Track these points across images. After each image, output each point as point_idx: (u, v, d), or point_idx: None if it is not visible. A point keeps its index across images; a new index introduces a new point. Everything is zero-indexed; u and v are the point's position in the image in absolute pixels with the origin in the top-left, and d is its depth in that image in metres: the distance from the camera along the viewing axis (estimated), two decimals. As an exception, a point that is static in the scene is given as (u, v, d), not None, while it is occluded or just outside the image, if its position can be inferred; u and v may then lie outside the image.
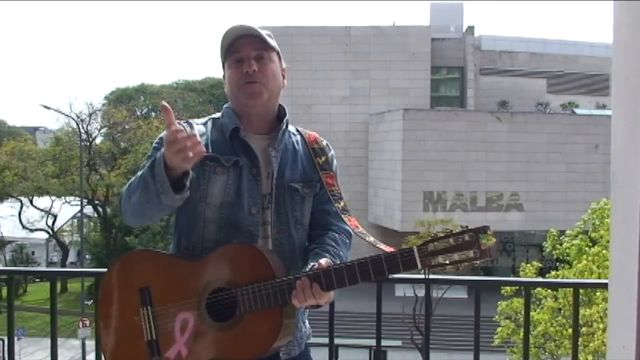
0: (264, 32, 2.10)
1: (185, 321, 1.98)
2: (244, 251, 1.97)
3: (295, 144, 2.20)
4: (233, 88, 2.11)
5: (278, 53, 2.16)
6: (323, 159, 2.20)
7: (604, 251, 12.70)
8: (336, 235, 2.17)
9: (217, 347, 1.95)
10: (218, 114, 2.20)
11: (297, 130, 2.26)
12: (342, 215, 2.11)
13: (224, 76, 2.17)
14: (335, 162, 2.25)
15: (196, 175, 2.03)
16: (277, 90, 2.15)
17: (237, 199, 2.04)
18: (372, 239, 2.04)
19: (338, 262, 2.01)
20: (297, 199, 2.12)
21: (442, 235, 1.81)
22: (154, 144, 2.12)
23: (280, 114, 2.19)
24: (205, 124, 2.16)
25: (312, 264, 1.94)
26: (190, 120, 2.17)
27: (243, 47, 2.08)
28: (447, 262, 1.79)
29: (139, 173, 1.97)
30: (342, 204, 2.14)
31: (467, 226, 1.81)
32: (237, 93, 2.10)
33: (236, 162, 2.05)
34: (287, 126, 2.18)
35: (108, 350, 2.12)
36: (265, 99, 2.09)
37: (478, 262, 1.79)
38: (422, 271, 1.84)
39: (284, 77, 2.19)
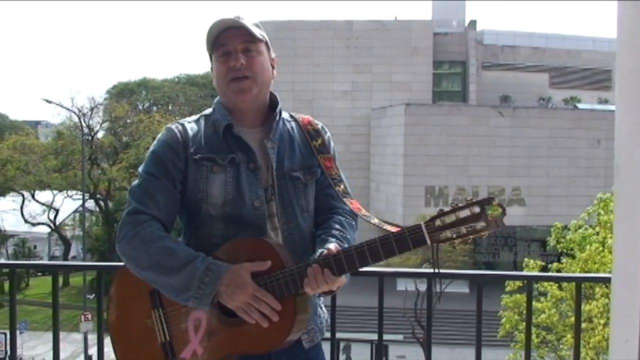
0: (250, 23, 2.05)
1: (198, 320, 1.97)
2: (252, 245, 1.96)
3: (291, 130, 2.16)
4: (221, 83, 2.07)
5: (267, 43, 2.11)
6: (319, 141, 2.16)
7: (600, 247, 12.66)
8: (341, 218, 2.15)
9: (231, 343, 1.94)
10: (209, 110, 2.16)
11: (291, 116, 2.22)
12: (344, 199, 2.09)
13: (212, 68, 2.12)
14: (332, 144, 2.21)
15: (194, 179, 2.02)
16: (267, 82, 2.10)
17: (238, 196, 2.01)
18: (376, 220, 2.02)
19: (346, 245, 2.01)
20: (299, 187, 2.10)
21: (448, 210, 1.80)
22: (153, 147, 2.07)
23: (273, 103, 2.15)
24: (197, 121, 2.12)
25: (320, 250, 1.94)
26: (182, 120, 2.13)
27: (229, 40, 2.03)
28: (455, 235, 1.78)
29: (176, 251, 1.93)
30: (342, 187, 2.11)
31: (472, 199, 1.79)
32: (225, 89, 2.06)
33: (232, 160, 2.02)
34: (280, 115, 2.15)
35: (122, 357, 2.12)
36: (254, 94, 2.05)
37: (486, 233, 1.76)
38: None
39: (273, 67, 2.14)
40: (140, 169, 2.07)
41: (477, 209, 1.76)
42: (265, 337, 1.90)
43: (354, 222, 2.18)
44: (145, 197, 1.99)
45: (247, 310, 1.86)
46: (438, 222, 1.79)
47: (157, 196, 2.00)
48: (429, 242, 1.79)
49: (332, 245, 1.93)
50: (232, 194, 2.01)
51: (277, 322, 1.89)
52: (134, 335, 2.08)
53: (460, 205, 1.79)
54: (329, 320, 2.27)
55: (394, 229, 1.88)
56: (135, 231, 1.95)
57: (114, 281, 2.15)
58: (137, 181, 2.04)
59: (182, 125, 2.09)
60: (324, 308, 2.24)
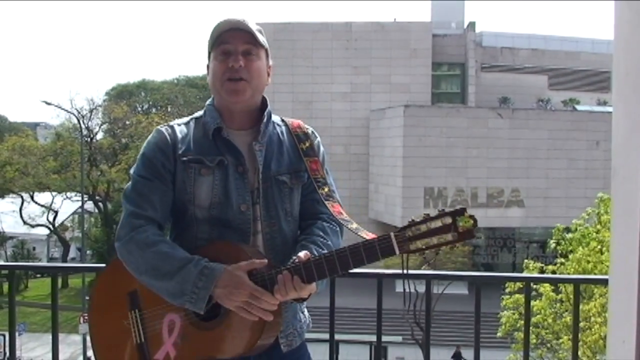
0: (254, 28, 2.07)
1: (172, 322, 1.99)
2: (226, 249, 1.97)
3: (280, 134, 2.17)
4: (216, 81, 2.08)
5: (266, 50, 2.14)
6: (307, 144, 2.17)
7: (598, 246, 12.69)
8: (325, 224, 2.15)
9: (203, 346, 1.96)
10: (200, 113, 2.17)
11: (282, 120, 2.23)
12: (326, 202, 2.09)
13: (208, 66, 2.14)
14: (322, 149, 2.22)
15: (182, 180, 2.04)
16: (261, 87, 2.12)
17: (225, 199, 2.02)
18: (355, 225, 2.02)
19: (325, 252, 2.00)
20: (285, 191, 2.10)
21: (419, 220, 1.81)
22: (143, 150, 2.09)
23: (263, 106, 2.17)
24: (187, 124, 2.14)
25: (293, 257, 1.94)
26: (172, 123, 2.15)
27: (232, 40, 2.04)
28: (425, 246, 1.79)
29: (171, 255, 1.94)
30: (326, 189, 2.12)
31: (443, 209, 1.81)
32: (220, 88, 2.07)
33: (221, 162, 2.03)
34: (270, 118, 2.16)
35: (100, 356, 2.14)
36: (247, 97, 2.07)
37: (457, 244, 1.78)
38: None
39: (268, 75, 2.16)
40: (132, 171, 2.09)
41: (448, 220, 1.78)
42: (236, 341, 1.93)
43: (338, 229, 2.18)
44: (140, 199, 2.02)
45: (248, 308, 1.87)
46: (408, 233, 1.80)
47: (152, 197, 2.02)
48: (397, 252, 1.81)
49: (303, 253, 1.93)
50: (219, 196, 2.02)
51: (248, 327, 1.91)
52: (111, 336, 2.10)
53: (431, 215, 1.80)
54: (310, 325, 2.26)
55: (369, 236, 1.89)
56: (131, 236, 1.98)
57: (96, 281, 2.19)
58: (130, 184, 2.07)
59: (172, 127, 2.11)
60: (305, 312, 2.25)
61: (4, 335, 18.13)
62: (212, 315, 1.95)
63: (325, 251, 2.01)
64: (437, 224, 1.78)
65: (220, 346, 1.94)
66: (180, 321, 1.98)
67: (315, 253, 1.97)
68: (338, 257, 1.85)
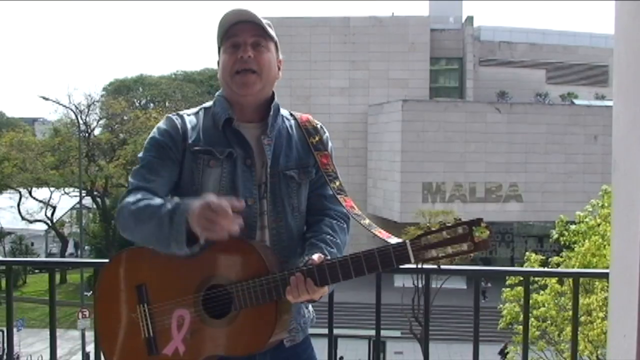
0: (264, 21, 2.06)
1: (182, 318, 1.97)
2: (238, 247, 1.95)
3: (289, 128, 2.16)
4: (226, 74, 2.06)
5: (276, 44, 2.12)
6: (317, 138, 2.16)
7: (600, 240, 12.69)
8: (333, 221, 2.14)
9: (214, 343, 1.95)
10: (209, 103, 2.16)
11: (291, 114, 2.22)
12: (338, 196, 2.08)
13: (218, 62, 2.12)
14: (330, 144, 2.20)
15: (190, 170, 2.03)
16: (271, 80, 2.10)
17: (232, 192, 2.01)
18: (367, 221, 2.02)
19: (335, 251, 2.00)
20: (293, 186, 2.09)
21: (435, 228, 1.79)
22: (152, 134, 2.09)
23: (272, 99, 2.15)
24: (197, 113, 2.13)
25: (306, 258, 1.93)
26: (181, 112, 2.14)
27: (241, 32, 2.03)
28: (441, 255, 1.77)
29: (152, 203, 1.93)
30: (337, 183, 2.11)
31: (460, 218, 1.79)
32: (230, 80, 2.05)
33: (230, 154, 2.02)
34: (277, 111, 2.14)
35: (106, 349, 2.13)
36: (257, 89, 2.05)
37: (472, 254, 1.77)
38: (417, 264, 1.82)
39: (279, 69, 2.14)
40: (140, 154, 2.09)
41: (464, 230, 1.76)
42: (248, 339, 1.92)
43: (345, 225, 2.17)
44: (148, 174, 2.02)
45: (209, 225, 1.80)
46: (424, 241, 1.78)
47: (161, 171, 2.03)
48: (413, 260, 1.79)
49: (316, 256, 1.91)
50: (226, 189, 2.01)
51: (260, 326, 1.90)
52: (118, 329, 2.09)
53: (448, 224, 1.78)
54: (314, 320, 2.25)
55: (382, 235, 1.88)
56: (125, 202, 1.99)
57: (101, 275, 2.16)
58: (138, 165, 2.07)
59: (181, 116, 2.10)
60: (310, 308, 2.23)
61: (2, 331, 18.11)
62: (223, 312, 1.93)
63: (335, 250, 2.01)
64: (453, 233, 1.77)
65: (232, 344, 1.93)
66: (190, 317, 1.96)
67: (326, 252, 1.96)
68: (352, 263, 1.83)
